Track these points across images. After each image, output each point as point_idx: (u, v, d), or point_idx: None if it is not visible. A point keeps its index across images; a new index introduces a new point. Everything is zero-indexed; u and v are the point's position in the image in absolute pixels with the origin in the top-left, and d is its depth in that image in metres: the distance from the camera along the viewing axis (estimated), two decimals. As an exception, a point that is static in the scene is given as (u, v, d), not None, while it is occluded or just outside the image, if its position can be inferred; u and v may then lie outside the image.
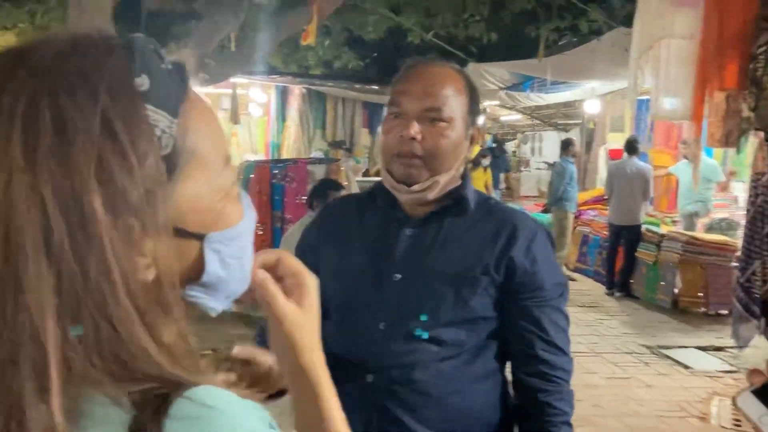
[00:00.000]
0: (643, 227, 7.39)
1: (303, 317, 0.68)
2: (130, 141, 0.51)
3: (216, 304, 0.62)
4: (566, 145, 8.47)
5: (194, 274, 0.59)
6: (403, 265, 1.34)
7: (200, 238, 0.58)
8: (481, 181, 8.91)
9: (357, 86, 10.81)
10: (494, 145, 12.88)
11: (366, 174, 10.73)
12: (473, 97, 1.37)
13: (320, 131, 11.70)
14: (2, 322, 0.48)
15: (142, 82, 0.53)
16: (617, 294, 7.33)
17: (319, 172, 5.56)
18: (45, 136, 0.49)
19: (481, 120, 1.39)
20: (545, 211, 8.46)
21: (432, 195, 1.33)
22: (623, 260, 7.36)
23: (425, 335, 1.30)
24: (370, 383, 1.29)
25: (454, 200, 1.36)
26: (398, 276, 1.33)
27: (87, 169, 0.49)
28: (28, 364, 0.48)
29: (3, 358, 0.48)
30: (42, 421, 0.48)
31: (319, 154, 10.91)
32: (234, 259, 0.61)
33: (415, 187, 1.31)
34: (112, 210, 0.50)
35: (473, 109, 1.36)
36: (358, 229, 1.42)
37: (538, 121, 14.40)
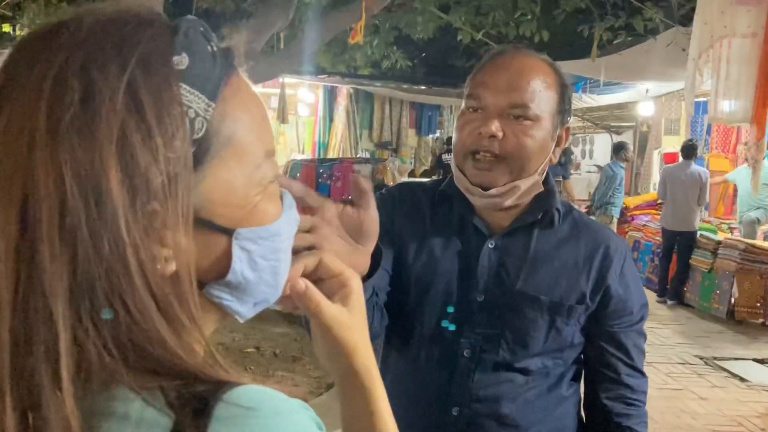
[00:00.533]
0: (698, 233, 7.15)
1: (351, 319, 0.66)
2: (156, 119, 0.48)
3: (244, 310, 0.58)
4: (619, 149, 8.24)
5: (219, 272, 0.55)
6: (487, 284, 1.21)
7: (229, 233, 0.54)
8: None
9: (405, 86, 10.76)
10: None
11: (412, 174, 10.68)
12: (564, 93, 1.21)
13: (367, 131, 11.71)
14: (16, 299, 0.46)
15: (181, 61, 0.50)
16: (669, 302, 7.11)
17: (365, 171, 5.54)
18: (70, 106, 0.47)
19: (570, 120, 1.26)
20: (588, 214, 8.28)
21: (510, 201, 1.19)
22: (676, 267, 7.13)
23: (513, 365, 1.20)
24: (455, 416, 1.20)
25: (545, 212, 1.23)
26: (482, 297, 1.20)
27: (108, 145, 0.47)
28: (41, 347, 0.45)
29: (18, 340, 0.46)
30: (58, 409, 0.45)
31: (365, 154, 10.92)
32: (265, 261, 0.56)
33: (492, 191, 1.17)
34: (131, 190, 0.47)
35: (563, 108, 1.21)
36: (433, 233, 1.25)
37: (589, 123, 14.11)
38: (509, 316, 1.19)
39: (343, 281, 0.67)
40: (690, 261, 7.01)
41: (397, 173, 5.74)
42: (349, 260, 0.75)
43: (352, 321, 0.66)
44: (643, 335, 1.30)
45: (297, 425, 0.49)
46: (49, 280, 0.46)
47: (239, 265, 0.54)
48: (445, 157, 9.89)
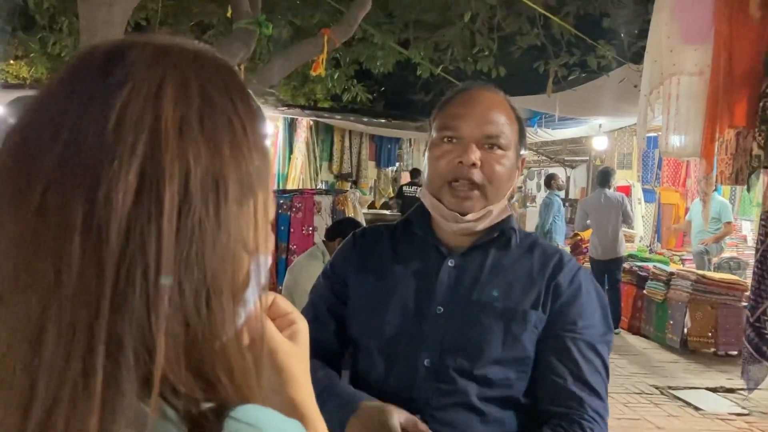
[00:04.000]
0: (652, 265, 7.31)
1: (296, 350, 0.68)
2: (252, 134, 0.55)
3: None
4: (549, 180, 8.68)
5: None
6: (445, 297, 1.26)
7: (253, 254, 0.56)
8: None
9: (365, 119, 10.86)
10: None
11: (372, 206, 10.72)
12: (521, 126, 1.33)
13: (327, 163, 11.74)
14: (119, 275, 0.47)
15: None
16: (615, 331, 7.21)
17: (325, 202, 5.54)
18: (195, 112, 0.52)
19: (524, 151, 1.32)
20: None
21: (482, 225, 1.27)
22: (608, 294, 7.04)
23: (472, 372, 1.22)
24: None
25: (501, 232, 1.30)
26: (440, 309, 1.25)
27: (227, 148, 0.52)
28: (134, 333, 0.47)
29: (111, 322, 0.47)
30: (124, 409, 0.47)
31: (325, 186, 10.93)
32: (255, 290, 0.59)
33: (469, 217, 1.24)
34: (241, 189, 0.53)
35: (521, 139, 1.32)
36: (393, 261, 1.33)
37: (544, 157, 14.41)
38: (467, 325, 1.23)
39: (291, 320, 0.70)
40: (644, 292, 7.16)
41: (358, 204, 5.75)
42: None
43: (296, 351, 0.68)
44: (600, 355, 1.24)
45: None
46: (164, 261, 0.48)
47: (252, 289, 0.57)
48: (406, 189, 9.99)
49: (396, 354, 1.26)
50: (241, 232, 0.53)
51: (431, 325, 1.25)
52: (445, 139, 1.25)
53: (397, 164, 12.62)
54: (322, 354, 1.28)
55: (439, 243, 1.30)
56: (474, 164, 1.22)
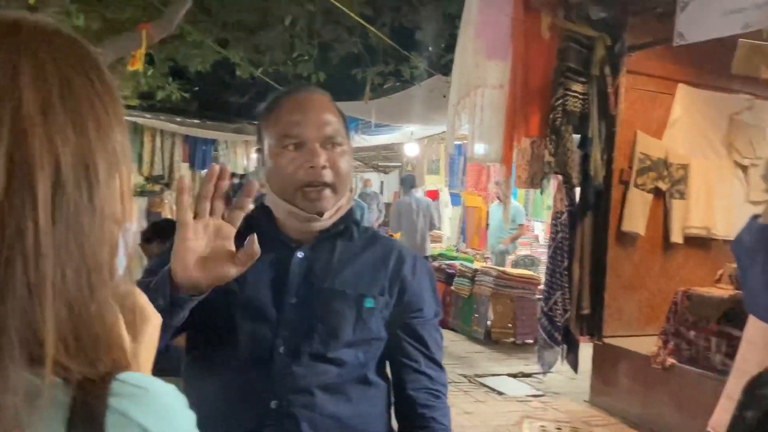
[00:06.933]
0: (459, 263, 7.84)
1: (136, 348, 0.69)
2: (114, 113, 0.56)
3: None
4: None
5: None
6: (298, 287, 1.32)
7: (121, 225, 0.58)
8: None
9: (178, 119, 10.49)
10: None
11: (187, 210, 10.33)
12: (344, 118, 1.41)
13: (136, 164, 11.14)
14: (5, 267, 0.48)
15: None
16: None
17: (139, 205, 5.29)
18: (55, 94, 0.52)
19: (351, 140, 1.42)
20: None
21: (333, 220, 1.34)
22: None
23: (326, 356, 1.29)
24: (273, 409, 1.26)
25: (346, 225, 1.38)
26: (294, 299, 1.31)
27: (92, 128, 0.53)
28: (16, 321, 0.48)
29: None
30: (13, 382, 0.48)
31: (134, 189, 10.39)
32: (122, 258, 0.59)
33: (326, 216, 1.31)
34: (108, 167, 0.54)
35: (347, 131, 1.40)
36: None
37: (359, 163, 14.84)
38: (320, 311, 1.31)
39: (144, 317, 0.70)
40: (452, 288, 7.66)
41: (175, 206, 5.55)
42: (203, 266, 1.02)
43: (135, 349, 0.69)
44: (439, 331, 1.45)
45: (180, 404, 0.56)
46: (43, 249, 0.48)
47: (121, 259, 0.58)
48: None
49: (254, 343, 1.29)
50: (112, 208, 0.55)
51: (286, 315, 1.30)
52: (289, 147, 1.30)
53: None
54: None
55: (285, 238, 1.36)
56: (324, 167, 1.29)
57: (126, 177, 0.57)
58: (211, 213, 1.04)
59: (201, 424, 1.28)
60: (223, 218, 1.04)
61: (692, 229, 5.42)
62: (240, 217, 1.06)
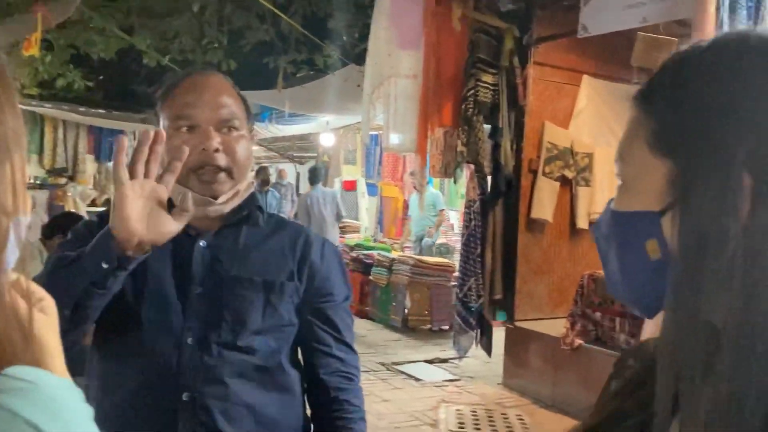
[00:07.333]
0: (376, 252, 7.89)
1: (48, 320, 0.65)
2: (6, 98, 0.54)
3: None
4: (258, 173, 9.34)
5: None
6: (203, 277, 1.29)
7: (12, 217, 0.55)
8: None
9: (81, 109, 10.01)
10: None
11: (93, 204, 9.92)
12: (246, 102, 1.37)
13: (36, 156, 10.55)
14: None
15: None
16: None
17: (40, 198, 5.03)
18: None
19: (253, 126, 1.40)
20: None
21: (232, 205, 1.31)
22: None
23: (236, 344, 1.26)
24: (185, 402, 1.23)
25: (249, 211, 1.35)
26: (200, 289, 1.28)
27: None
28: None
29: None
30: None
31: (35, 181, 9.85)
32: (14, 252, 0.57)
33: (221, 199, 1.28)
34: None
35: (249, 115, 1.37)
36: None
37: (274, 153, 14.65)
38: (227, 299, 1.28)
39: (40, 296, 0.66)
40: (370, 277, 7.70)
41: (80, 200, 5.32)
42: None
43: (48, 322, 0.65)
44: (350, 314, 1.44)
45: (73, 398, 0.54)
46: None
47: (12, 253, 0.55)
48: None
49: (162, 336, 1.26)
50: (1, 199, 0.52)
51: (192, 306, 1.27)
52: (183, 129, 1.27)
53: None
54: None
55: (186, 227, 1.29)
56: (217, 150, 1.25)
57: (19, 165, 0.55)
58: (146, 175, 1.07)
59: (113, 421, 1.23)
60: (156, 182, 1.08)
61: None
62: (172, 180, 1.11)
